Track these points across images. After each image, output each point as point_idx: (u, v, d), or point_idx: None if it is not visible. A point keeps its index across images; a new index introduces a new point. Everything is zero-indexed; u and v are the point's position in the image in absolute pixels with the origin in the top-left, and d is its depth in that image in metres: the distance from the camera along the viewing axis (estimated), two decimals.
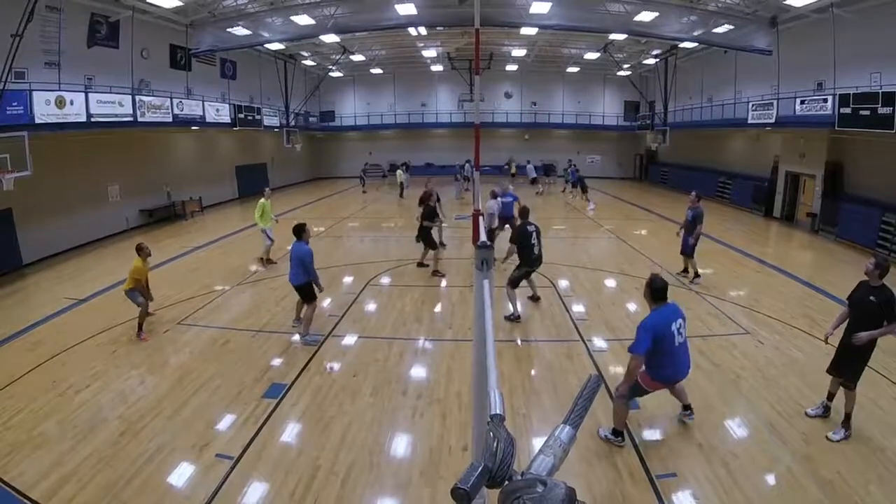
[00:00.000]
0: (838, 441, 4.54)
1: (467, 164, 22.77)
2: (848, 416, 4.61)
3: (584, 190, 20.90)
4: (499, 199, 10.85)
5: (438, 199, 11.38)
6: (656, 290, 4.35)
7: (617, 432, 4.58)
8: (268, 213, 10.71)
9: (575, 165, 23.84)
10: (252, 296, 9.25)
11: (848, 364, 4.61)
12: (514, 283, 7.62)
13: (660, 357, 4.28)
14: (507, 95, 29.42)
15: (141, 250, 7.28)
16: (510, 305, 7.68)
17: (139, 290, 7.20)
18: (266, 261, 10.95)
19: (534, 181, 24.14)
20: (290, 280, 6.98)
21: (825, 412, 4.89)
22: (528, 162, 25.31)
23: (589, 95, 30.16)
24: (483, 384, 1.44)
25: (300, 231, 6.82)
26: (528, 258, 7.51)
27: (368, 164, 29.19)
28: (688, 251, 9.44)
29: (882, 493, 3.93)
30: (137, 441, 4.73)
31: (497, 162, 25.35)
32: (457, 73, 27.73)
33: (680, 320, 4.33)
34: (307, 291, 6.95)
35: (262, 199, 10.68)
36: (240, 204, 21.61)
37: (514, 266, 7.83)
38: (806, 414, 4.98)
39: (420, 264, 10.57)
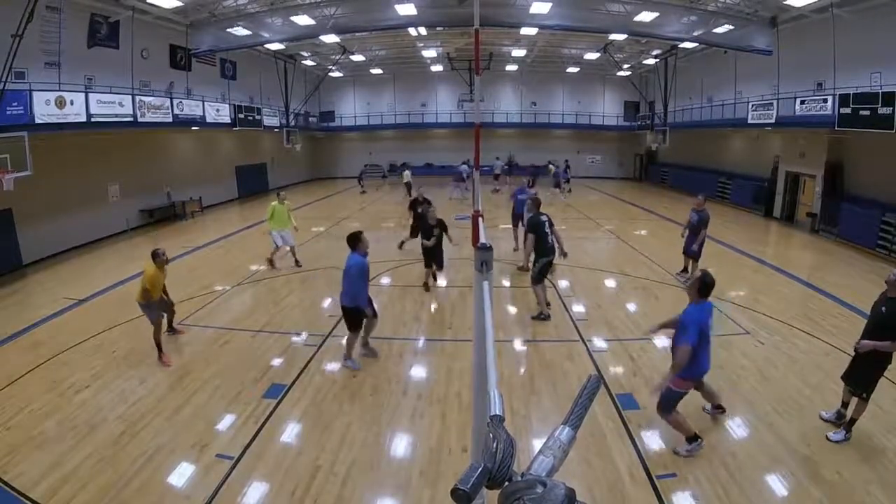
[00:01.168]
0: (837, 442, 4.54)
1: (464, 166, 22.73)
2: (853, 421, 4.60)
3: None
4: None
5: (429, 203, 11.31)
6: (706, 286, 4.38)
7: (691, 439, 4.43)
8: (279, 216, 10.40)
9: (562, 166, 24.12)
10: (252, 296, 9.26)
11: (857, 373, 4.57)
12: (537, 279, 7.62)
13: (695, 353, 4.29)
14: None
15: (156, 257, 6.36)
16: (537, 304, 7.69)
17: (155, 304, 6.47)
18: (291, 258, 10.81)
19: (496, 177, 23.97)
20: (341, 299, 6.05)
21: (838, 418, 4.83)
22: (498, 158, 25.38)
23: (589, 95, 30.15)
24: (483, 385, 1.44)
25: (354, 241, 5.80)
26: (543, 248, 7.58)
27: (367, 166, 29.07)
28: (692, 253, 9.38)
29: (883, 493, 3.93)
30: (137, 441, 4.73)
31: (493, 162, 25.34)
32: (457, 73, 27.72)
33: (712, 318, 4.47)
34: (351, 317, 6.01)
35: (274, 202, 10.50)
36: (240, 204, 21.63)
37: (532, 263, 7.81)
38: (820, 416, 4.94)
39: (428, 283, 9.42)
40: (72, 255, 12.74)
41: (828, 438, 4.58)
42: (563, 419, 0.93)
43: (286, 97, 24.53)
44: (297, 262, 10.84)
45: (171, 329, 7.19)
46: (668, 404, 4.42)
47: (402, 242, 11.86)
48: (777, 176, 17.30)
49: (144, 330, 7.37)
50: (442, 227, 10.00)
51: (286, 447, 4.68)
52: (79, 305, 8.83)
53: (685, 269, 9.75)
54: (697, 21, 16.67)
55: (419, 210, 11.26)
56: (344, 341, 6.37)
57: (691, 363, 4.30)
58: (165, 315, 6.83)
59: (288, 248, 10.79)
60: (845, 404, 4.80)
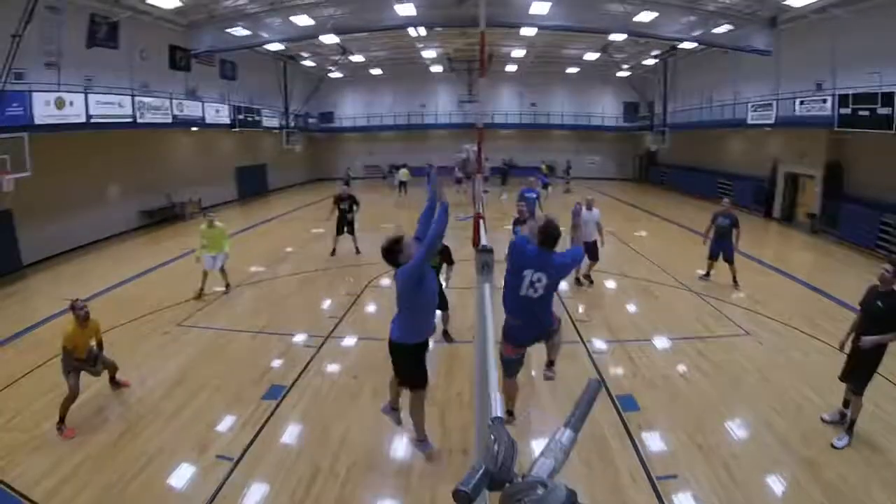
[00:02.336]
0: (842, 447, 4.50)
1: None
2: (852, 423, 4.58)
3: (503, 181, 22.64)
4: (592, 209, 9.36)
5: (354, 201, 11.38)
6: (548, 237, 3.81)
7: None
8: (212, 241, 8.75)
9: (562, 166, 24.06)
10: (252, 297, 9.25)
11: (857, 370, 4.56)
12: None
13: (507, 297, 4.06)
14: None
15: (73, 309, 5.05)
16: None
17: (75, 365, 4.97)
18: (199, 291, 8.91)
19: (486, 180, 23.70)
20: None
21: (841, 419, 4.81)
22: (487, 159, 24.20)
23: (588, 96, 30.12)
24: (484, 386, 1.44)
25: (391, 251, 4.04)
26: None
27: (351, 170, 26.56)
28: (730, 256, 9.25)
29: (884, 495, 3.93)
30: (137, 442, 4.73)
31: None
32: (456, 74, 27.72)
33: (540, 274, 3.75)
34: (396, 355, 4.26)
35: (203, 225, 8.87)
36: (239, 205, 21.62)
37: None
38: (822, 419, 4.91)
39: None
40: (72, 255, 12.73)
41: (832, 446, 4.51)
42: (564, 421, 0.93)
43: (286, 98, 24.53)
44: (227, 285, 9.18)
45: (115, 383, 5.78)
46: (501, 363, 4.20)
47: (334, 250, 11.86)
48: (777, 176, 17.30)
49: (144, 331, 7.40)
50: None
51: (286, 448, 4.67)
52: None
53: (734, 279, 9.38)
54: (697, 21, 16.69)
55: (342, 207, 11.53)
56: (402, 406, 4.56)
57: (508, 310, 4.10)
58: (106, 373, 5.61)
59: (217, 271, 9.00)
60: (847, 402, 4.78)
